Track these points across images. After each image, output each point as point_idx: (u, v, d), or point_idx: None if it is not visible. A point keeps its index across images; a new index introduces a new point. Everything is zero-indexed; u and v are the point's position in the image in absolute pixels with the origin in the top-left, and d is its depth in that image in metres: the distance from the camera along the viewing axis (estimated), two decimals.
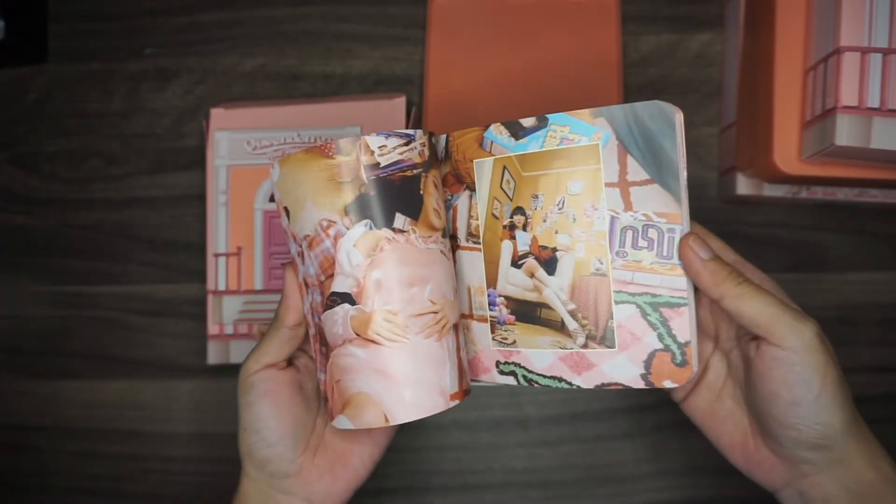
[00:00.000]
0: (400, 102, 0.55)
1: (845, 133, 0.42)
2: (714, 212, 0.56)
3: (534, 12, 0.56)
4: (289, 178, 0.36)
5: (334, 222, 0.35)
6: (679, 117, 0.34)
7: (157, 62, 0.59)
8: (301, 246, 0.36)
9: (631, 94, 0.56)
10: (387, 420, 0.35)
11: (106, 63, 0.60)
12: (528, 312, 0.38)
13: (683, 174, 0.34)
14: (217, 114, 0.56)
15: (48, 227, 0.59)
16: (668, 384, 0.35)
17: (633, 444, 0.55)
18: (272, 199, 0.55)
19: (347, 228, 0.35)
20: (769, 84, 0.47)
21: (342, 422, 0.36)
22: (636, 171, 0.35)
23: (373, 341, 0.35)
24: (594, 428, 0.56)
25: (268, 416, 0.37)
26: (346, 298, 0.35)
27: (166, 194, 0.58)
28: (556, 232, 0.37)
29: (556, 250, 0.37)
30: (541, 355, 0.38)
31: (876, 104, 0.42)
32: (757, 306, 0.33)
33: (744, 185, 0.53)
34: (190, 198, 0.58)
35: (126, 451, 0.57)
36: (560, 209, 0.36)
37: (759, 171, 0.49)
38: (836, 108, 0.42)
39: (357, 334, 0.35)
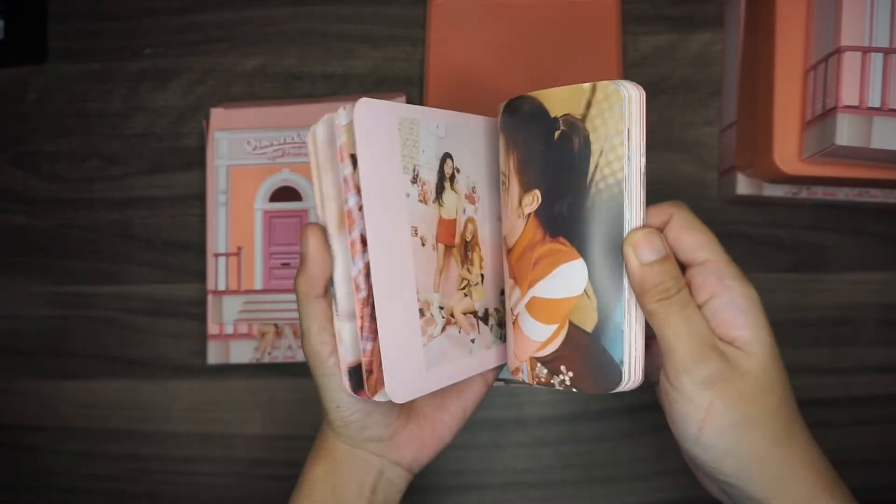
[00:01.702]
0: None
1: (846, 133, 0.42)
2: (714, 212, 0.56)
3: (534, 12, 0.56)
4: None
5: None
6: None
7: (157, 62, 0.59)
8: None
9: None
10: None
11: (106, 63, 0.60)
12: None
13: (638, 161, 0.32)
14: (217, 114, 0.56)
15: (48, 227, 0.59)
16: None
17: (633, 444, 0.55)
18: (272, 199, 0.55)
19: None
20: (769, 84, 0.47)
21: None
22: None
23: None
24: (594, 428, 0.56)
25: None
26: None
27: (166, 194, 0.58)
28: None
29: None
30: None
31: (877, 104, 0.42)
32: (664, 331, 0.31)
33: (744, 185, 0.53)
34: (190, 198, 0.58)
35: (126, 451, 0.57)
36: None
37: (759, 171, 0.49)
38: (836, 107, 0.42)
39: None
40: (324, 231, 0.34)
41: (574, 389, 0.34)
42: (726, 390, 0.31)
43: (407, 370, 0.34)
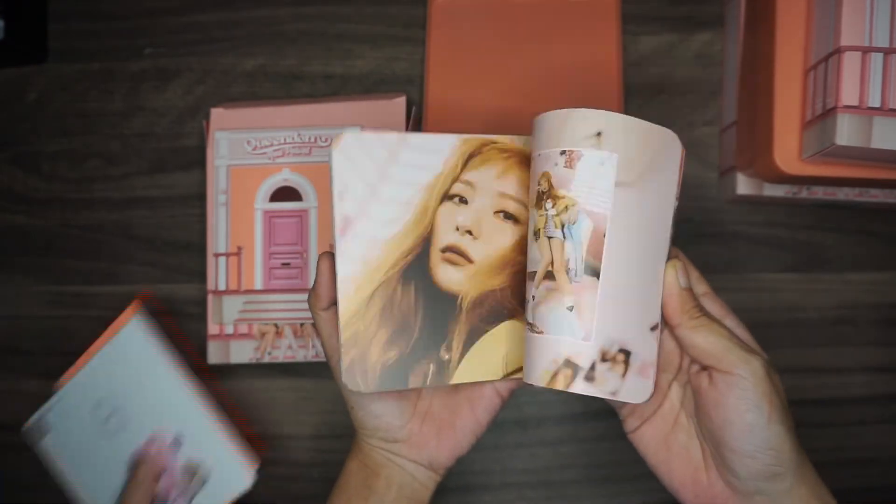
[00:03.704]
0: (400, 102, 0.55)
1: (846, 133, 0.42)
2: (714, 212, 0.56)
3: (534, 12, 0.56)
4: None
5: None
6: (681, 152, 0.36)
7: (157, 62, 0.59)
8: None
9: (631, 93, 0.56)
10: None
11: (106, 63, 0.60)
12: None
13: (675, 204, 0.36)
14: (217, 114, 0.56)
15: (48, 227, 0.59)
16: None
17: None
18: (272, 199, 0.55)
19: None
20: (769, 84, 0.47)
21: None
22: None
23: None
24: (594, 428, 0.56)
25: (368, 395, 0.39)
26: None
27: (166, 194, 0.58)
28: None
29: None
30: None
31: (877, 104, 0.42)
32: (710, 338, 0.35)
33: (744, 185, 0.53)
34: (190, 198, 0.58)
35: None
36: None
37: (759, 171, 0.49)
38: (836, 107, 0.42)
39: None
40: (332, 257, 0.37)
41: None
42: (776, 379, 0.35)
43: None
